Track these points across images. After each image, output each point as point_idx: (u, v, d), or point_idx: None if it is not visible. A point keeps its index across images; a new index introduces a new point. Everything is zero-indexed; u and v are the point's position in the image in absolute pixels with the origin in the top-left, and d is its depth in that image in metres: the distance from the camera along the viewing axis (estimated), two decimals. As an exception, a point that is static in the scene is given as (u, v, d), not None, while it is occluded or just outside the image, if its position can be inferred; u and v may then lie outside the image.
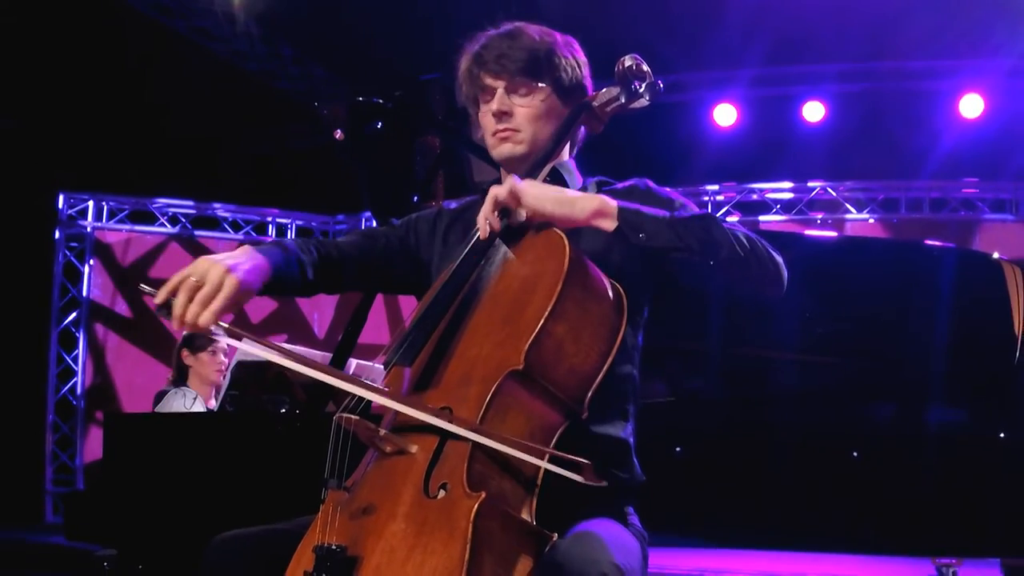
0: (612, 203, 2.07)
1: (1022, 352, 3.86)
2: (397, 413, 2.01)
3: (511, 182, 2.07)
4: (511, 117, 2.27)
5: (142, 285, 2.09)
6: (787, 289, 2.19)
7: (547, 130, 2.28)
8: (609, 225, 2.06)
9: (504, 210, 2.07)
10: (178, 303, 1.94)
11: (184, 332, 5.63)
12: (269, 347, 2.01)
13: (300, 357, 2.00)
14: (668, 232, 2.06)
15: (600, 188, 2.36)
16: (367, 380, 1.96)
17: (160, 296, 1.95)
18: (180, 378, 5.64)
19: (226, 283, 1.96)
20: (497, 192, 2.05)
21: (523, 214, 2.06)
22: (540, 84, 2.27)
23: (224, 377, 5.64)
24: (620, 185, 2.37)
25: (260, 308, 10.08)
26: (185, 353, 5.63)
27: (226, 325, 1.97)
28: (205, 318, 1.93)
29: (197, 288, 1.95)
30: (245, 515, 2.31)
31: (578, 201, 2.07)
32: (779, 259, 2.14)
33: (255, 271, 2.07)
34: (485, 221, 2.07)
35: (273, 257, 2.15)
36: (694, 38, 7.84)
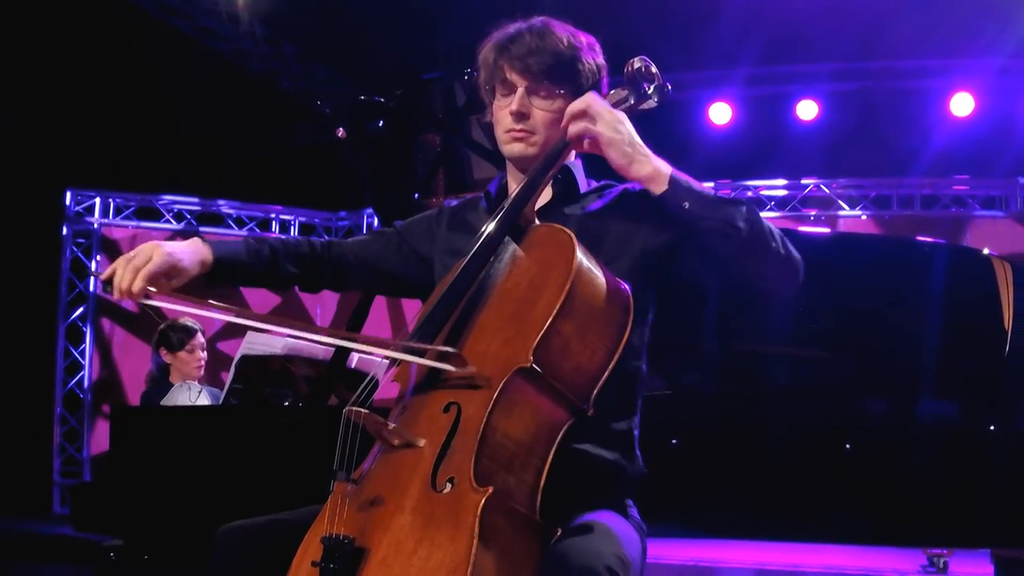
0: (666, 171, 2.15)
1: (1011, 347, 3.94)
2: (405, 407, 2.05)
3: (597, 101, 2.17)
4: (528, 119, 2.26)
5: (94, 271, 2.34)
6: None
7: (559, 133, 2.26)
8: (657, 189, 2.14)
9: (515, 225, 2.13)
10: (116, 275, 2.15)
11: (158, 330, 5.77)
12: (206, 306, 2.17)
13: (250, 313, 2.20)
14: (715, 207, 2.12)
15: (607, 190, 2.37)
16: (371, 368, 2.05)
17: (105, 273, 2.18)
18: (162, 376, 5.71)
19: (155, 254, 2.17)
20: (582, 103, 2.16)
21: (529, 216, 2.10)
22: (560, 90, 2.26)
23: (202, 370, 5.77)
24: (632, 189, 2.35)
25: (263, 303, 10.15)
26: (164, 352, 5.71)
27: (154, 290, 2.19)
28: (137, 284, 2.13)
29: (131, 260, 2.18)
30: (249, 506, 2.34)
31: (635, 161, 2.15)
32: (799, 258, 2.19)
33: (191, 251, 2.25)
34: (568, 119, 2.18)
35: (224, 245, 2.34)
36: (690, 38, 7.80)
